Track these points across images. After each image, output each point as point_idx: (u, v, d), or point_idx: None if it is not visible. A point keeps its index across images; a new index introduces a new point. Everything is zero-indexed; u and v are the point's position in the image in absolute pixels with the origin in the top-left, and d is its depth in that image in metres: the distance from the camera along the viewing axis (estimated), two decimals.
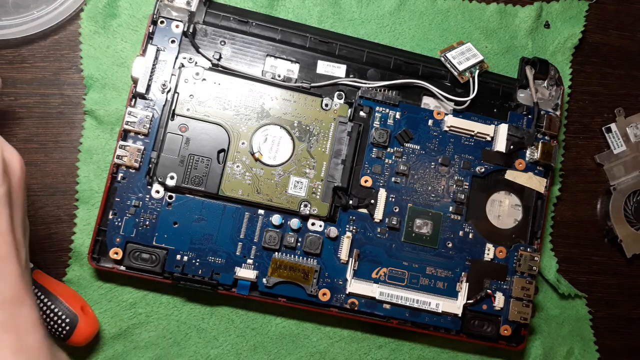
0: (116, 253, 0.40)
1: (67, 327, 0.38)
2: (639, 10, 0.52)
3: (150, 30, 0.41)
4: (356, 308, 0.41)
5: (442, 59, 0.45)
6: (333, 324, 0.44)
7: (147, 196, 0.40)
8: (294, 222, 0.41)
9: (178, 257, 0.40)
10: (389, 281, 0.42)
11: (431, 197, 0.43)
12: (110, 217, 0.40)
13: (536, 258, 0.43)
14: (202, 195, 0.41)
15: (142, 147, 0.40)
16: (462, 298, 0.42)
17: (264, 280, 0.41)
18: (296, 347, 0.44)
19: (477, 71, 0.45)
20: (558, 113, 0.45)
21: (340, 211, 0.42)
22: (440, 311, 0.42)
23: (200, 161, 0.40)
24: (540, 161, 0.44)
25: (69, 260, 0.42)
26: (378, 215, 0.42)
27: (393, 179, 0.43)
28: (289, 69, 0.43)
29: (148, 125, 0.40)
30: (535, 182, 0.44)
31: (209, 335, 0.43)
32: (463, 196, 0.43)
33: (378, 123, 0.43)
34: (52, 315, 0.38)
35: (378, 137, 0.43)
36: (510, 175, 0.44)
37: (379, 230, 0.42)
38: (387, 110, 0.43)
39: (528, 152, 0.45)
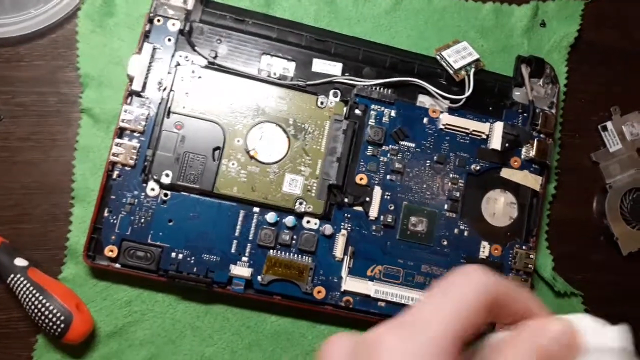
0: (111, 251, 0.40)
1: (62, 325, 0.38)
2: (634, 9, 0.52)
3: (147, 29, 0.41)
4: (351, 306, 0.41)
5: (438, 57, 0.45)
6: (328, 322, 0.44)
7: (143, 194, 0.40)
8: (289, 220, 0.41)
9: (173, 254, 0.40)
10: (384, 279, 0.42)
11: (426, 195, 0.43)
12: (106, 215, 0.40)
13: (532, 256, 0.43)
14: (197, 192, 0.41)
15: (138, 145, 0.40)
16: None
17: (259, 278, 0.41)
18: (291, 345, 0.44)
19: (473, 69, 0.45)
20: (554, 111, 0.46)
21: (335, 209, 0.42)
22: None
23: (195, 159, 0.40)
24: (536, 159, 0.44)
25: (64, 258, 0.42)
26: (373, 213, 0.42)
27: (388, 176, 0.43)
28: (284, 67, 0.43)
29: (144, 123, 0.41)
30: (531, 180, 0.44)
31: (204, 333, 0.43)
32: (458, 194, 0.43)
33: (373, 121, 0.43)
34: (46, 313, 0.38)
35: (373, 135, 0.43)
36: (505, 173, 0.44)
37: (374, 228, 0.42)
38: (383, 109, 0.44)
39: (523, 150, 0.45)
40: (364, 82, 0.43)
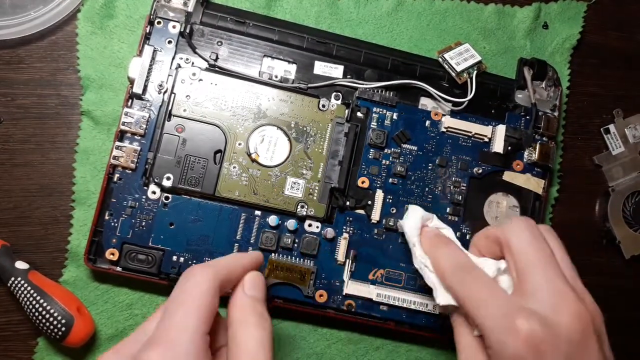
0: (112, 254, 0.40)
1: (63, 328, 0.38)
2: (637, 11, 0.52)
3: (147, 31, 0.41)
4: (353, 309, 0.41)
5: (440, 59, 0.45)
6: (330, 326, 0.44)
7: (144, 197, 0.40)
8: (291, 223, 0.41)
9: (174, 258, 0.40)
10: (386, 282, 0.42)
11: (428, 198, 0.43)
12: (107, 218, 0.40)
13: None
14: (199, 196, 0.40)
15: (139, 148, 0.40)
16: None
17: None
18: (293, 349, 0.43)
19: (475, 72, 0.44)
20: (556, 114, 0.45)
21: (337, 212, 0.42)
22: (437, 312, 0.41)
23: (196, 162, 0.40)
24: (538, 162, 0.44)
25: (65, 261, 0.42)
26: (375, 216, 0.42)
27: (390, 180, 0.43)
28: (286, 69, 0.43)
29: (144, 126, 0.40)
30: (533, 184, 0.44)
31: None
32: (460, 197, 0.43)
33: (375, 124, 0.43)
34: (47, 316, 0.38)
35: (375, 138, 0.43)
36: (508, 176, 0.44)
37: (376, 231, 0.42)
38: (385, 111, 0.43)
39: (526, 153, 0.44)
40: (366, 84, 0.43)
